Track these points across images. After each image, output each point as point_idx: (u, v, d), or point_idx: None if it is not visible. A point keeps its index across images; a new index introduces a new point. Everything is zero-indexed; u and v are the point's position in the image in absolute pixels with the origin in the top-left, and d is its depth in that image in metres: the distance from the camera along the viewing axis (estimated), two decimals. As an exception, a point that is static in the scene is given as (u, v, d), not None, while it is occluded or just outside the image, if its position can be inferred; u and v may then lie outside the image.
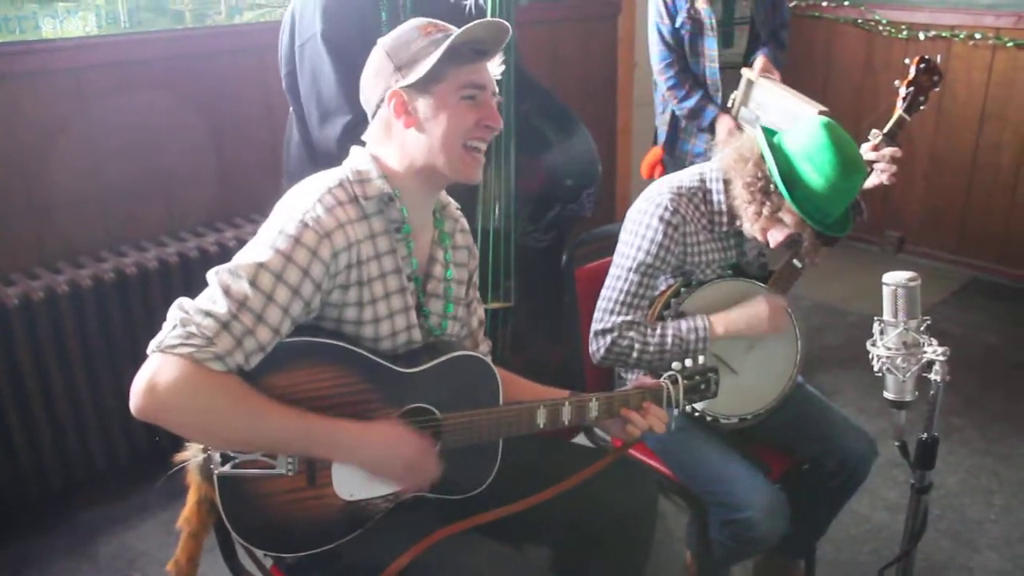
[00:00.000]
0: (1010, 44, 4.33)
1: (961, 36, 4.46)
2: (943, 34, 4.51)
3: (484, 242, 2.47)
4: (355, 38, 2.10)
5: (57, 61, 2.66)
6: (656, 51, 3.21)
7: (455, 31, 1.48)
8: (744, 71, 3.17)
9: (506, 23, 1.49)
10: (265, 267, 1.36)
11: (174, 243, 2.87)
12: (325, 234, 1.40)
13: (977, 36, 4.41)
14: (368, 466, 1.45)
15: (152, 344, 1.32)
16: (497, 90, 1.55)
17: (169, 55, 2.90)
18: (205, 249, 2.85)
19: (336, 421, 1.41)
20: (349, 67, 2.07)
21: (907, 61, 2.46)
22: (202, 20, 2.96)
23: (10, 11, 2.55)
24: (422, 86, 1.46)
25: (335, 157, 1.93)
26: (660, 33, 3.18)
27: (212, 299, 1.34)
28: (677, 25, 3.13)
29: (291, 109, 2.36)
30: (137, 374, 1.31)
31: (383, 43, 1.52)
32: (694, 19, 3.13)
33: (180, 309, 1.34)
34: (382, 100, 1.50)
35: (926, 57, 2.44)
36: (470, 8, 2.48)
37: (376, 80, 1.51)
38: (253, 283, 1.34)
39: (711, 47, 3.17)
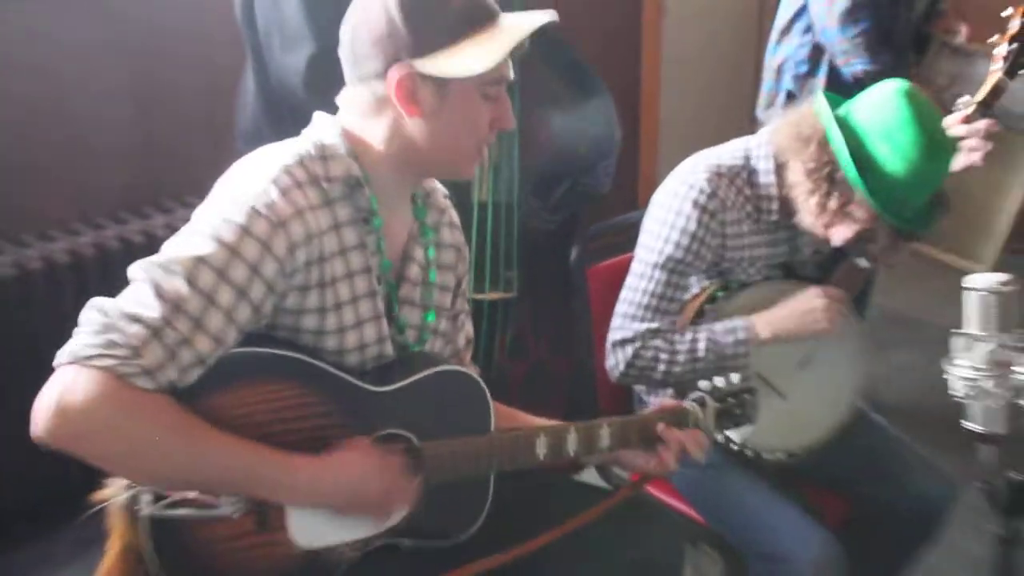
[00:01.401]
0: None
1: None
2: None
3: (481, 220, 2.47)
4: None
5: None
6: None
7: (493, 6, 1.48)
8: (943, 36, 3.05)
9: (555, 15, 1.50)
10: (205, 261, 1.35)
11: (89, 231, 2.86)
12: (280, 223, 1.39)
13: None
14: (335, 503, 1.45)
15: (62, 355, 1.30)
16: (513, 76, 1.54)
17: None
18: (127, 239, 2.85)
19: (291, 457, 1.41)
20: None
21: (1009, 12, 2.47)
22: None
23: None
24: (443, 79, 1.45)
25: (298, 100, 1.93)
26: None
27: (138, 300, 1.33)
28: None
29: (247, 57, 2.37)
30: (42, 391, 1.29)
31: None
32: None
33: (99, 312, 1.33)
34: (380, 73, 1.46)
35: (1030, 8, 2.45)
36: None
37: (380, 43, 1.46)
38: (190, 281, 1.34)
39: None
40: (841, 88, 2.72)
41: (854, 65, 2.88)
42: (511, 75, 1.53)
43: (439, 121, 1.48)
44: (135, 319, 1.32)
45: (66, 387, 1.28)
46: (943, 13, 3.12)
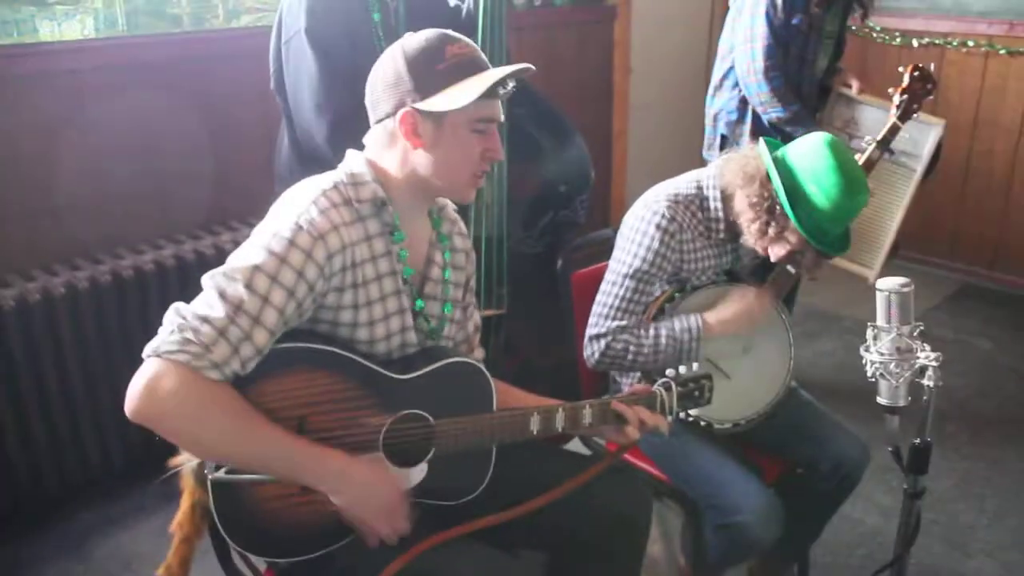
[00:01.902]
0: (1003, 51, 4.35)
1: (954, 43, 4.47)
2: (936, 41, 4.52)
3: (477, 249, 2.45)
4: (340, 37, 2.12)
5: (55, 64, 2.65)
6: (763, 47, 2.87)
7: (481, 61, 1.48)
8: (840, 88, 3.09)
9: (532, 67, 1.49)
10: (260, 269, 1.35)
11: (170, 246, 2.86)
12: (319, 236, 1.39)
13: (970, 43, 4.43)
14: (344, 503, 1.43)
15: (148, 348, 1.31)
16: (503, 118, 1.54)
17: (166, 59, 2.89)
18: (201, 252, 2.84)
19: (323, 451, 1.40)
20: (333, 65, 2.08)
21: (901, 69, 2.47)
22: (200, 24, 2.96)
23: (8, 14, 2.54)
24: (439, 115, 1.45)
25: (324, 156, 1.91)
26: (771, 27, 2.86)
27: (208, 304, 1.33)
28: (795, 22, 2.88)
29: (282, 114, 2.36)
30: (134, 377, 1.30)
31: (405, 51, 1.47)
32: (811, 20, 2.90)
33: (177, 314, 1.33)
34: (392, 114, 1.47)
35: (920, 65, 2.46)
36: (467, 10, 2.48)
37: (391, 90, 1.47)
38: (248, 286, 1.34)
39: (821, 54, 3.02)
40: (764, 131, 2.91)
41: (771, 113, 2.92)
42: (500, 115, 1.52)
43: (438, 151, 1.48)
44: (205, 320, 1.31)
45: (151, 376, 1.29)
46: (840, 70, 3.16)
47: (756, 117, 3.00)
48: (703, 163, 2.62)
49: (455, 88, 1.44)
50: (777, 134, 2.90)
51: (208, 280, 1.36)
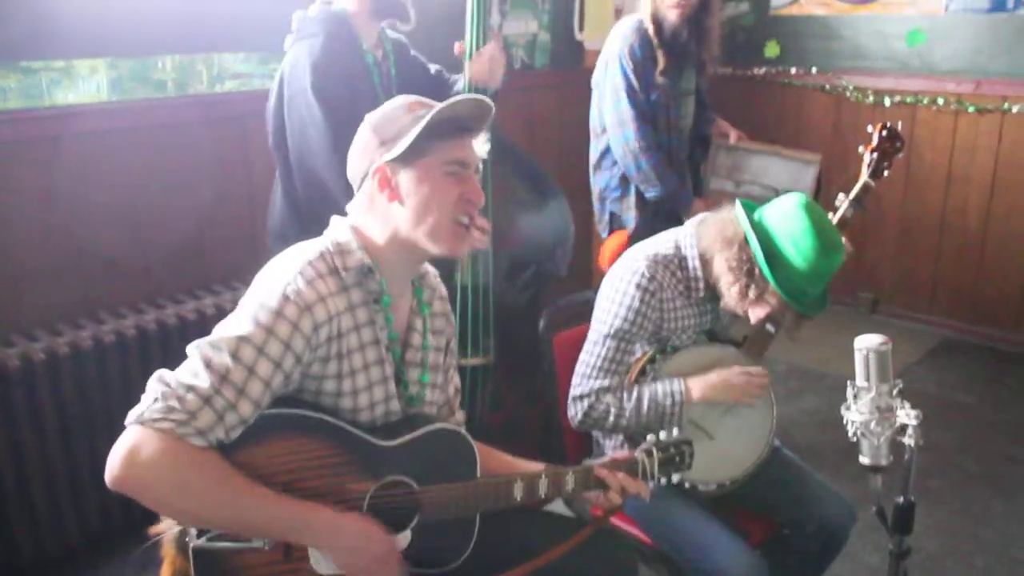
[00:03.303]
0: (971, 109, 4.46)
1: (925, 101, 4.58)
2: (907, 99, 4.63)
3: (463, 298, 2.49)
4: (344, 93, 2.20)
5: (39, 129, 2.68)
6: (633, 128, 3.02)
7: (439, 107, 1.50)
8: (718, 140, 3.24)
9: (489, 100, 1.52)
10: (247, 340, 1.36)
11: (152, 310, 2.85)
12: (306, 307, 1.40)
13: (940, 101, 4.54)
14: (335, 556, 1.42)
15: (131, 416, 1.31)
16: (481, 167, 1.57)
17: (151, 123, 2.92)
18: (183, 316, 2.84)
19: (311, 508, 1.39)
20: (338, 118, 2.14)
21: (870, 128, 2.53)
22: (184, 89, 3.00)
23: (-7, 81, 2.57)
24: (405, 160, 1.48)
25: (335, 205, 1.95)
26: (635, 107, 3.02)
27: (194, 372, 1.33)
28: (653, 97, 3.05)
29: (276, 172, 2.39)
30: (115, 445, 1.30)
31: (370, 120, 1.54)
32: (664, 89, 3.06)
33: (161, 382, 1.33)
34: (367, 174, 1.51)
35: (888, 124, 2.51)
36: (458, 87, 2.54)
37: (362, 155, 1.52)
38: (235, 356, 1.34)
39: (684, 115, 3.18)
40: (647, 204, 3.13)
41: (650, 192, 3.09)
42: (474, 159, 1.54)
43: (413, 200, 1.49)
44: (190, 388, 1.32)
45: (134, 444, 1.29)
46: (714, 120, 3.34)
47: (639, 191, 3.14)
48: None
49: (414, 130, 1.47)
50: (661, 204, 3.10)
51: (194, 349, 1.36)
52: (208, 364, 1.34)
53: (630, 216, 3.17)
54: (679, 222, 3.04)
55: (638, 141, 3.02)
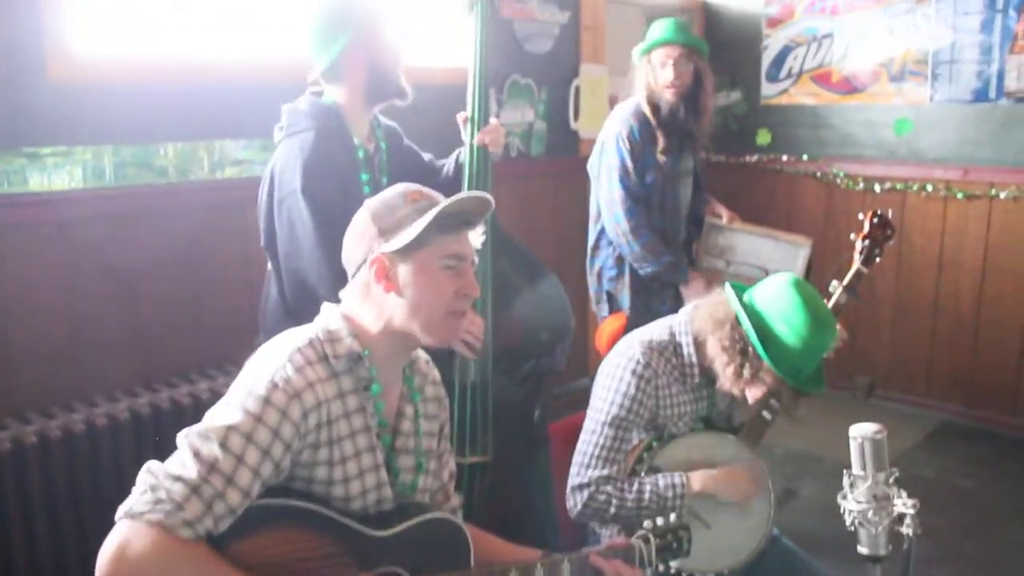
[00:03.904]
0: (960, 196, 4.53)
1: (914, 188, 4.66)
2: (897, 186, 4.71)
3: (462, 398, 2.46)
4: (334, 195, 2.16)
5: (42, 214, 2.70)
6: (624, 209, 3.10)
7: (441, 199, 1.52)
8: (711, 219, 3.29)
9: (490, 197, 1.53)
10: (235, 429, 1.35)
11: (147, 394, 2.83)
12: (295, 394, 1.40)
13: (928, 188, 4.61)
14: None
15: (121, 510, 1.30)
16: (477, 260, 1.58)
17: (152, 209, 2.95)
18: (178, 400, 2.81)
19: None
20: (328, 222, 2.10)
21: (861, 216, 2.56)
22: (185, 175, 3.04)
23: (-1, 165, 2.61)
24: (405, 253, 1.48)
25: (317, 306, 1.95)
26: (626, 188, 3.10)
27: (182, 463, 1.32)
28: (648, 181, 3.12)
29: (269, 265, 2.39)
30: (105, 541, 1.28)
31: (369, 206, 1.55)
32: (662, 170, 3.13)
33: (149, 473, 1.32)
34: (364, 262, 1.52)
35: (879, 212, 2.54)
36: (447, 171, 2.58)
37: (359, 242, 1.53)
38: (223, 445, 1.33)
39: (683, 198, 3.23)
40: (641, 284, 3.19)
41: (645, 268, 3.15)
42: (471, 254, 1.55)
43: (410, 292, 1.49)
44: (178, 479, 1.31)
45: (123, 538, 1.28)
46: (708, 200, 3.40)
47: (633, 271, 3.20)
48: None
49: (416, 224, 1.48)
50: (655, 283, 3.16)
51: (183, 439, 1.36)
52: (196, 454, 1.33)
53: (625, 296, 3.24)
54: (676, 301, 3.10)
55: (628, 221, 3.09)
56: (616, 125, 3.18)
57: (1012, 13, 4.29)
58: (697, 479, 1.97)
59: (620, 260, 3.23)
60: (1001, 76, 4.37)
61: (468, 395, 2.46)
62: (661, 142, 3.12)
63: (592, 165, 3.29)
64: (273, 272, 2.35)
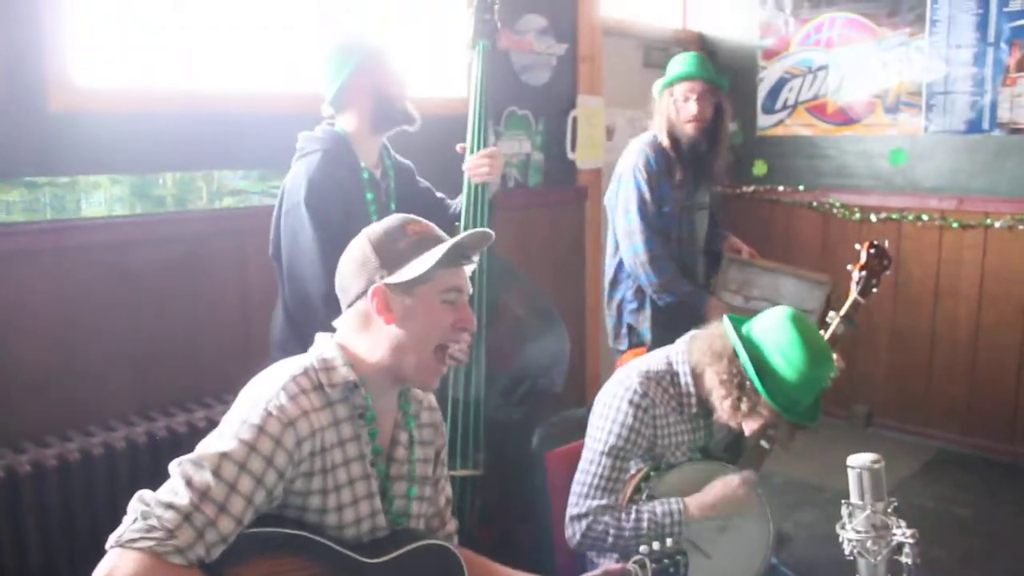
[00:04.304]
0: (955, 225, 4.54)
1: (910, 218, 4.67)
2: (893, 216, 4.72)
3: (454, 411, 2.49)
4: (335, 208, 2.24)
5: (37, 242, 2.70)
6: (642, 240, 3.08)
7: (437, 231, 1.53)
8: (730, 254, 3.26)
9: (491, 232, 1.55)
10: (228, 457, 1.34)
11: (143, 422, 2.81)
12: (289, 422, 1.39)
13: (924, 218, 4.62)
14: None
15: (112, 538, 1.29)
16: (471, 290, 1.59)
17: (150, 238, 2.95)
18: (174, 429, 2.79)
19: None
20: (328, 234, 2.17)
21: (857, 246, 2.56)
22: (183, 205, 3.04)
23: (-5, 195, 2.61)
24: (408, 287, 1.49)
25: (317, 319, 1.96)
26: (644, 219, 3.08)
27: (174, 491, 1.32)
28: (666, 210, 3.11)
29: (279, 283, 2.42)
30: (95, 570, 1.27)
31: (369, 235, 1.54)
32: (678, 202, 3.12)
33: (141, 502, 1.31)
34: (363, 293, 1.51)
35: (875, 242, 2.55)
36: (455, 210, 2.60)
37: (359, 271, 1.52)
38: (216, 473, 1.32)
39: (699, 231, 3.22)
40: (662, 315, 3.15)
41: (664, 298, 3.12)
42: (468, 286, 1.56)
43: (410, 324, 1.49)
44: (169, 506, 1.30)
45: (113, 566, 1.26)
46: (727, 236, 3.39)
47: (654, 304, 3.17)
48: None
49: (419, 259, 1.48)
50: (677, 316, 3.05)
51: (175, 467, 1.35)
52: (189, 482, 1.32)
53: (646, 328, 3.22)
54: None
55: (647, 252, 3.07)
56: (632, 157, 3.17)
57: (1004, 46, 4.34)
58: (694, 504, 1.97)
59: (640, 292, 3.21)
60: (994, 107, 4.40)
61: (460, 409, 2.48)
62: (679, 174, 3.12)
63: (609, 199, 3.28)
64: (280, 283, 2.38)
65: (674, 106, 3.14)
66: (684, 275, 3.15)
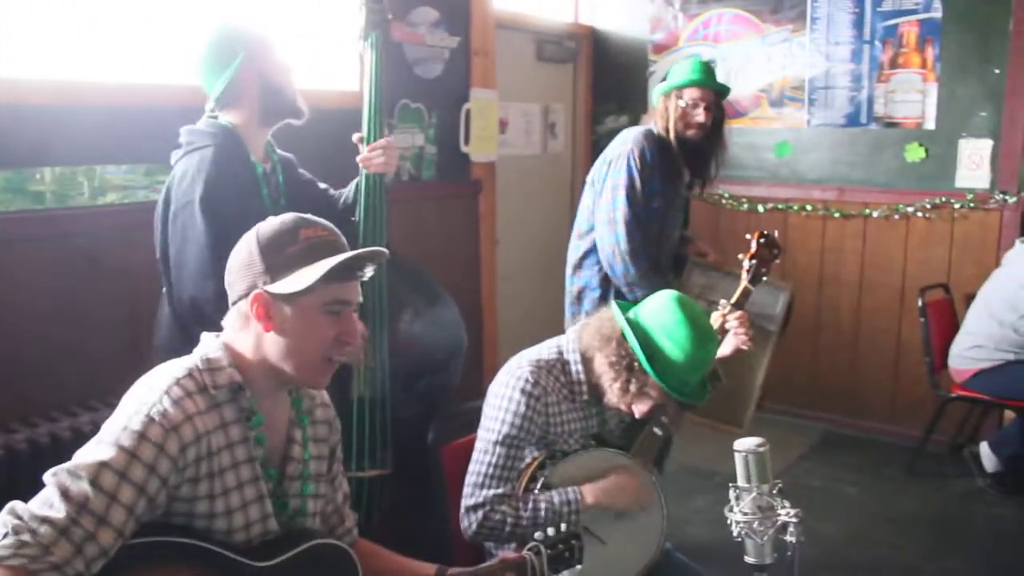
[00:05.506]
0: (837, 215, 4.73)
1: (795, 208, 4.84)
2: (779, 206, 4.88)
3: (360, 411, 2.44)
4: (233, 209, 2.13)
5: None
6: (625, 229, 3.01)
7: (334, 235, 1.48)
8: (694, 258, 3.27)
9: (385, 251, 1.52)
10: (108, 465, 1.28)
11: (24, 429, 2.69)
12: (172, 428, 1.34)
13: (808, 208, 4.80)
14: None
15: (-20, 555, 1.21)
16: (361, 300, 1.53)
17: (27, 236, 2.81)
18: (58, 435, 2.68)
19: None
20: (225, 234, 2.07)
21: (748, 236, 2.63)
22: (64, 201, 2.90)
23: None
24: (288, 297, 1.44)
25: (208, 322, 1.90)
26: (631, 207, 3.01)
27: (48, 503, 1.25)
28: (655, 206, 3.07)
29: (163, 289, 2.32)
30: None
31: (259, 235, 1.48)
32: (667, 198, 3.09)
33: (12, 515, 1.24)
34: (245, 295, 1.46)
35: (765, 232, 2.62)
36: (346, 199, 2.55)
37: (244, 272, 1.47)
38: (94, 483, 1.26)
39: (673, 231, 3.21)
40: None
41: (637, 292, 3.02)
42: (356, 299, 1.51)
43: (289, 334, 1.45)
44: (44, 520, 1.23)
45: None
46: (692, 240, 3.39)
47: (618, 293, 3.11)
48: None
49: (305, 270, 1.43)
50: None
51: (50, 478, 1.28)
52: (65, 493, 1.25)
53: None
54: None
55: (628, 243, 3.00)
56: (629, 144, 3.09)
57: (878, 44, 4.53)
58: (589, 492, 1.98)
59: (606, 281, 3.14)
60: (871, 102, 4.60)
61: (366, 409, 2.44)
62: (678, 174, 3.11)
63: (594, 179, 3.18)
64: (166, 289, 2.28)
65: (680, 110, 3.08)
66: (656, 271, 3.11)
